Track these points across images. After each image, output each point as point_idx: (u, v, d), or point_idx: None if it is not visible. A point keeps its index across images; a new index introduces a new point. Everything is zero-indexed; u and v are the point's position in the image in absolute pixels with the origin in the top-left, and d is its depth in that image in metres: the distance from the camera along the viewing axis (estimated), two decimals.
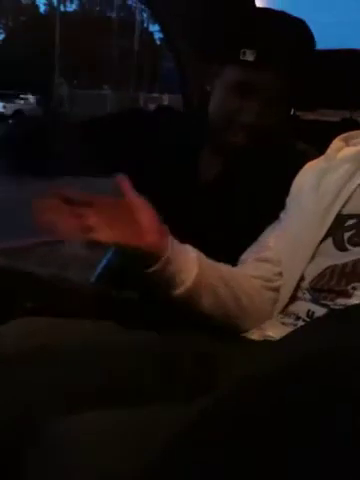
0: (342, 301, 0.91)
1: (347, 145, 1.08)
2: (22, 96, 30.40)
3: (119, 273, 1.30)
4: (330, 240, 0.98)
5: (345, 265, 0.93)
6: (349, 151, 1.06)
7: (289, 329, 0.91)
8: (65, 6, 39.42)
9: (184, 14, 1.57)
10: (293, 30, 1.17)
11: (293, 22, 1.18)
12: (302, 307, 0.97)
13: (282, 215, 1.09)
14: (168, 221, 0.97)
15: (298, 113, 1.49)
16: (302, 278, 0.99)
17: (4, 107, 28.14)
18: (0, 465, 0.69)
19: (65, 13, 36.55)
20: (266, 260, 1.05)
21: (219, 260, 1.10)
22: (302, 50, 1.16)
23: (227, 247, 1.08)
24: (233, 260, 1.08)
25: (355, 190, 0.99)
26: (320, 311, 0.93)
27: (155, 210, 0.94)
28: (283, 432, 0.49)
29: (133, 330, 1.03)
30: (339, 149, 1.07)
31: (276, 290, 1.03)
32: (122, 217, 0.91)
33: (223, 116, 1.18)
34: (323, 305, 0.93)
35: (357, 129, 1.12)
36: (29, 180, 1.22)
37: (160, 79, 31.91)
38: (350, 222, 0.97)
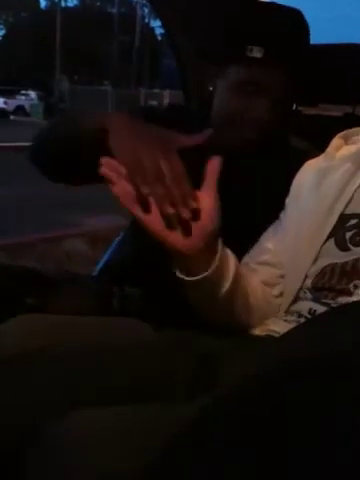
0: (343, 299, 0.91)
1: (346, 143, 1.07)
2: (23, 92, 30.43)
3: (121, 269, 1.30)
4: (332, 240, 0.97)
5: (346, 263, 0.93)
6: (349, 150, 1.06)
7: (291, 326, 0.91)
8: (66, 2, 39.46)
9: (185, 10, 1.56)
10: (294, 23, 1.16)
11: (292, 14, 1.18)
12: (304, 306, 0.97)
13: (282, 215, 1.09)
14: None
15: (300, 108, 1.48)
16: (304, 278, 0.99)
17: (5, 103, 28.17)
18: (0, 465, 0.69)
19: (66, 9, 36.52)
20: (266, 263, 1.05)
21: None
22: (302, 43, 1.17)
23: (227, 246, 1.08)
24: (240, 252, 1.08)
25: (356, 190, 0.99)
26: (321, 310, 0.92)
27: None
28: (283, 432, 0.49)
29: (134, 328, 1.03)
30: (339, 147, 1.07)
31: (279, 295, 1.03)
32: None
33: (228, 115, 1.17)
34: (324, 304, 0.93)
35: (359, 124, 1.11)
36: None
37: (161, 75, 31.91)
38: (352, 222, 0.97)
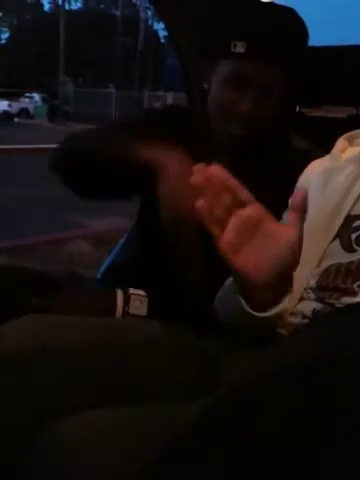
0: (347, 299, 0.91)
1: (351, 145, 1.08)
2: (27, 94, 30.49)
3: (124, 271, 1.30)
4: (338, 241, 0.97)
5: (351, 263, 0.93)
6: (353, 151, 1.06)
7: (296, 327, 0.91)
8: (70, 4, 39.51)
9: (188, 12, 1.56)
10: (283, 19, 1.17)
11: (282, 11, 1.19)
12: (308, 306, 0.97)
13: (285, 216, 1.09)
14: None
15: (303, 110, 1.48)
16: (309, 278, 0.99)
17: (9, 105, 28.22)
18: (0, 465, 0.69)
19: (70, 11, 36.58)
20: None
21: (221, 259, 1.10)
22: (295, 40, 1.16)
23: None
24: None
25: None
26: (325, 310, 0.92)
27: None
28: (283, 432, 0.49)
29: (136, 328, 1.03)
30: (343, 149, 1.07)
31: None
32: (261, 236, 0.79)
33: (221, 110, 1.19)
34: (328, 304, 0.93)
35: None
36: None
37: (164, 77, 31.93)
38: (357, 223, 0.97)
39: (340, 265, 0.94)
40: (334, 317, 0.81)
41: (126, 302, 1.10)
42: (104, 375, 0.82)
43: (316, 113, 1.52)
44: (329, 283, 0.94)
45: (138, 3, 35.67)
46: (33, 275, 1.14)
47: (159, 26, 33.73)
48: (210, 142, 1.24)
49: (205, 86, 1.23)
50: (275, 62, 1.13)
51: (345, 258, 0.94)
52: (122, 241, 1.48)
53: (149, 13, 32.43)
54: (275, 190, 1.08)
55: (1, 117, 26.15)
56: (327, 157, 1.09)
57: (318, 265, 0.98)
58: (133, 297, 1.11)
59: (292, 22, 1.18)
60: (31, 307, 1.01)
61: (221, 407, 0.54)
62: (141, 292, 1.13)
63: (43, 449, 0.63)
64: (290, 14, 1.19)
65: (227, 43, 1.14)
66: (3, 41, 42.52)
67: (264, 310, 0.84)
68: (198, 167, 0.78)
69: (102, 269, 1.48)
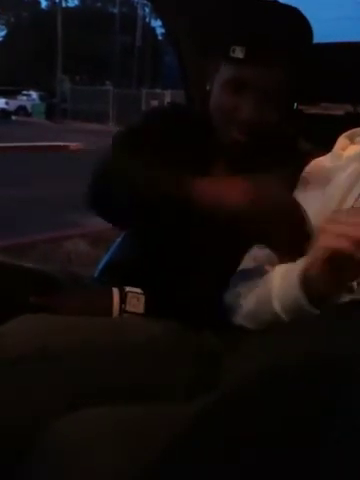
0: (346, 297, 0.91)
1: (352, 143, 1.07)
2: (25, 92, 30.44)
3: (122, 269, 1.29)
4: None
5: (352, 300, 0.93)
6: (355, 150, 1.06)
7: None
8: (67, 2, 39.45)
9: (186, 9, 1.56)
10: (286, 21, 1.14)
11: (285, 13, 1.15)
12: None
13: None
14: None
15: (301, 107, 1.48)
16: None
17: (7, 103, 28.17)
18: (0, 464, 0.69)
19: (67, 9, 36.51)
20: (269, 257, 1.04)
21: (222, 258, 1.10)
22: (297, 41, 1.14)
23: (230, 245, 1.08)
24: (236, 258, 1.08)
25: None
26: (325, 308, 0.92)
27: None
28: (283, 432, 0.49)
29: (136, 328, 1.02)
30: (345, 147, 1.07)
31: None
32: None
33: (221, 114, 1.17)
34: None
35: None
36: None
37: (162, 75, 31.88)
38: None
39: None
40: (333, 315, 0.81)
41: (123, 300, 1.10)
42: (104, 375, 0.82)
43: (314, 110, 1.52)
44: None
45: (135, 0, 35.66)
46: (30, 274, 1.14)
47: (157, 23, 33.67)
48: (210, 142, 1.23)
49: (207, 87, 1.21)
50: (275, 67, 1.11)
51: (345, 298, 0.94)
52: (119, 239, 1.48)
53: (147, 10, 32.38)
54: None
55: None
56: (328, 156, 1.08)
57: None
58: (130, 295, 1.11)
59: (295, 23, 1.15)
60: (28, 306, 1.01)
61: (221, 407, 0.54)
62: (138, 290, 1.13)
63: (43, 449, 0.63)
64: (293, 14, 1.16)
65: (226, 47, 1.12)
66: (0, 39, 42.48)
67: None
68: None
69: (99, 267, 1.48)
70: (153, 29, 35.53)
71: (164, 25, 1.67)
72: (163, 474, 0.52)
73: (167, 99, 22.88)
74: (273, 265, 1.03)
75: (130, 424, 0.65)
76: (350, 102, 1.44)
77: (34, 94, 30.32)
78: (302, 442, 0.47)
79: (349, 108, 1.44)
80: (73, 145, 13.32)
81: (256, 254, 1.07)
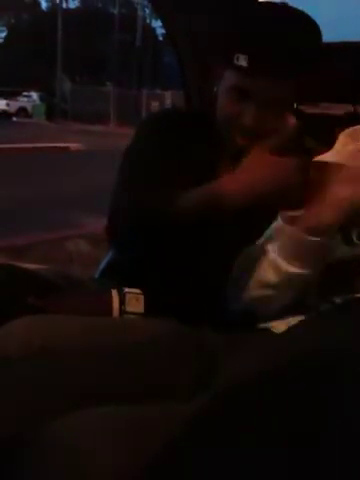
0: (348, 295, 0.91)
1: (353, 140, 1.08)
2: (25, 93, 30.44)
3: (122, 270, 1.29)
4: (339, 236, 0.98)
5: (353, 257, 0.94)
6: (356, 147, 1.06)
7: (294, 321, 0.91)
8: (67, 2, 39.45)
9: (186, 11, 1.56)
10: (294, 29, 1.10)
11: (294, 18, 1.11)
12: (308, 303, 0.97)
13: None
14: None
15: (301, 107, 1.48)
16: None
17: (7, 104, 28.18)
18: (0, 465, 0.69)
19: (67, 10, 36.53)
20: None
21: (223, 255, 1.10)
22: (305, 50, 1.10)
23: (232, 243, 1.08)
24: (235, 257, 1.08)
25: None
26: (326, 306, 0.92)
27: None
28: (283, 430, 0.49)
29: (136, 328, 1.03)
30: (346, 145, 1.07)
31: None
32: None
33: (225, 118, 1.16)
34: (329, 301, 0.93)
35: None
36: None
37: (162, 75, 31.88)
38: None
39: (341, 260, 0.95)
40: (333, 313, 0.81)
41: (122, 301, 1.10)
42: (104, 374, 0.81)
43: (314, 110, 1.52)
44: (331, 278, 0.95)
45: (136, 1, 35.64)
46: (28, 275, 1.14)
47: (157, 24, 33.64)
48: (213, 142, 1.23)
49: (215, 88, 1.19)
50: (280, 78, 1.08)
51: (346, 253, 0.95)
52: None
53: (147, 11, 32.38)
54: None
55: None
56: (329, 154, 1.09)
57: None
58: (129, 295, 1.11)
59: (304, 30, 1.11)
60: (27, 308, 1.01)
61: (220, 406, 0.54)
62: (137, 290, 1.13)
63: (43, 449, 0.63)
64: (302, 20, 1.12)
65: (230, 53, 1.09)
66: (1, 40, 42.48)
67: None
68: None
69: (100, 268, 1.48)
70: (153, 29, 35.52)
71: (163, 25, 1.67)
72: (163, 473, 0.52)
73: (168, 100, 22.89)
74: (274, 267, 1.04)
75: (130, 423, 0.65)
76: (350, 102, 1.44)
77: (35, 95, 30.31)
78: (301, 442, 0.47)
79: (349, 108, 1.44)
80: (73, 146, 13.33)
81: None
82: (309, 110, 1.48)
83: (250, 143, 1.13)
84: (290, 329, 0.84)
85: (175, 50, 1.64)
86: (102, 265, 1.49)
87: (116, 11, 33.80)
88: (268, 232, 1.05)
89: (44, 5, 43.86)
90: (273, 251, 1.00)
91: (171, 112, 1.43)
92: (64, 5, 34.63)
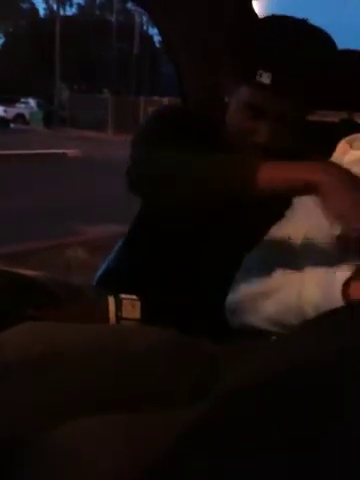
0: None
1: (352, 148, 1.08)
2: (23, 100, 30.46)
3: (120, 277, 1.30)
4: (336, 244, 0.98)
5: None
6: (355, 155, 1.06)
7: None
8: (65, 10, 39.53)
9: (183, 21, 1.56)
10: (315, 47, 1.09)
11: (314, 35, 1.10)
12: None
13: (288, 214, 1.08)
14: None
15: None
16: None
17: (5, 111, 28.20)
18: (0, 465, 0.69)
19: (65, 17, 36.59)
20: None
21: (222, 261, 1.10)
22: (323, 67, 1.09)
23: (234, 244, 1.08)
24: (239, 258, 1.07)
25: None
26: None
27: None
28: (283, 435, 0.49)
29: (136, 335, 1.03)
30: (345, 152, 1.08)
31: None
32: None
33: (237, 133, 1.14)
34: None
35: (356, 129, 1.12)
36: None
37: (160, 82, 31.93)
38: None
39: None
40: (334, 316, 0.81)
41: (118, 308, 1.10)
42: (103, 381, 0.82)
43: (310, 117, 1.53)
44: None
45: (133, 8, 35.69)
46: (26, 282, 1.14)
47: (154, 31, 33.72)
48: (219, 147, 1.21)
49: (226, 99, 1.17)
50: (300, 96, 1.07)
51: (343, 260, 0.95)
52: (117, 247, 1.48)
53: (144, 18, 32.43)
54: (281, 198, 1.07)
55: None
56: (329, 161, 1.09)
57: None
58: (125, 302, 1.11)
59: (322, 46, 1.10)
60: (25, 316, 1.01)
61: (220, 412, 0.54)
62: (133, 296, 1.13)
63: (43, 454, 0.63)
64: (320, 36, 1.11)
65: (251, 69, 1.07)
66: None
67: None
68: None
69: (98, 275, 1.48)
70: (151, 37, 35.61)
71: (160, 33, 1.68)
72: (164, 477, 0.52)
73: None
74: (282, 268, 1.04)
75: (130, 429, 0.65)
76: (344, 109, 1.45)
77: (32, 102, 30.34)
78: (302, 447, 0.47)
79: (344, 115, 1.44)
80: (71, 152, 13.33)
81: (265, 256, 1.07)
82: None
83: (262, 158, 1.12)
84: (290, 335, 0.84)
85: (171, 57, 1.65)
86: (99, 272, 1.49)
87: (113, 19, 33.87)
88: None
89: (42, 13, 43.80)
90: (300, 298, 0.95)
91: (181, 109, 1.41)
92: (61, 12, 34.73)
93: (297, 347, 0.62)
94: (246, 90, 1.10)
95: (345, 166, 1.04)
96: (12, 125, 26.93)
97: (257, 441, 0.49)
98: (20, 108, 29.63)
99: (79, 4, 42.60)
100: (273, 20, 1.17)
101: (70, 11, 42.26)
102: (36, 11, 43.79)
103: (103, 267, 1.49)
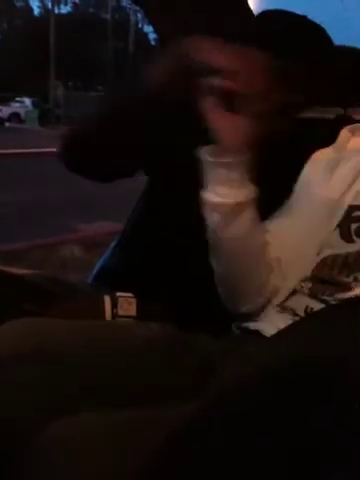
0: (342, 295, 0.91)
1: (354, 135, 1.09)
2: (18, 99, 30.43)
3: (116, 274, 1.30)
4: (337, 231, 0.98)
5: (348, 255, 0.94)
6: (357, 142, 1.07)
7: (284, 324, 0.91)
8: (59, 8, 39.50)
9: (177, 19, 1.56)
10: (313, 42, 1.11)
11: (312, 30, 1.12)
12: (300, 303, 0.96)
13: (288, 201, 1.08)
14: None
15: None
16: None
17: (0, 110, 28.16)
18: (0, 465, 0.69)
19: (59, 15, 36.58)
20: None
21: None
22: (321, 65, 1.12)
23: None
24: None
25: None
26: (318, 307, 0.92)
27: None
28: (280, 432, 0.49)
29: (133, 330, 1.02)
30: (347, 139, 1.08)
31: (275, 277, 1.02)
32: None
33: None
34: (322, 301, 0.93)
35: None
36: None
37: None
38: (357, 213, 0.98)
39: (337, 256, 0.95)
40: (328, 315, 0.81)
41: (114, 305, 1.10)
42: (100, 377, 0.81)
43: (305, 114, 1.53)
44: (324, 275, 0.95)
45: (128, 6, 35.70)
46: (20, 280, 1.14)
47: (149, 29, 33.73)
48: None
49: None
50: (299, 91, 1.10)
51: (343, 249, 0.95)
52: (113, 244, 1.48)
53: (139, 16, 32.46)
54: (280, 183, 1.07)
55: None
56: (331, 148, 1.09)
57: (317, 254, 0.98)
58: (121, 299, 1.11)
59: (320, 42, 1.13)
60: (21, 312, 1.01)
61: (218, 409, 0.54)
62: (129, 294, 1.13)
63: (41, 451, 0.63)
64: (318, 31, 1.13)
65: None
66: None
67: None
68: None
69: (93, 272, 1.48)
70: (146, 34, 35.60)
71: (155, 30, 1.68)
72: (160, 476, 0.52)
73: None
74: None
75: (128, 425, 0.65)
76: (340, 105, 1.45)
77: (27, 100, 30.31)
78: (300, 446, 0.47)
79: (339, 111, 1.44)
80: None
81: None
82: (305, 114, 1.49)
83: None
84: (285, 331, 0.84)
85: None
86: (95, 269, 1.49)
87: (108, 16, 33.87)
88: None
89: (36, 11, 43.76)
90: None
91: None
92: (56, 10, 34.70)
93: (294, 343, 0.62)
94: None
95: (348, 153, 1.05)
96: (7, 124, 26.91)
97: (255, 436, 0.49)
98: (15, 107, 29.60)
99: (74, 2, 42.59)
100: (269, 16, 1.18)
101: (65, 9, 42.26)
102: (31, 9, 43.76)
103: (99, 265, 1.49)
